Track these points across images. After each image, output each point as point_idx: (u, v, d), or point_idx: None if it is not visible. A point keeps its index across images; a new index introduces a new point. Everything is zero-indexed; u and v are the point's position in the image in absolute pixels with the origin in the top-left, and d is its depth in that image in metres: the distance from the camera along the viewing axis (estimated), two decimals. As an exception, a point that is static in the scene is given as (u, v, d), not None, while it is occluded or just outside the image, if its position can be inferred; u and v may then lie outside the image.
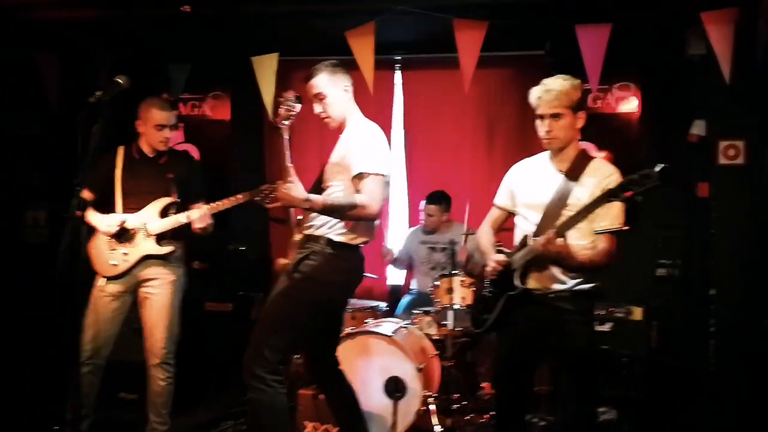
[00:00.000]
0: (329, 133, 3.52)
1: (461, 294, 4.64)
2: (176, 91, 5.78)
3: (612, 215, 2.94)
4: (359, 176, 3.17)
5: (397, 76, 6.06)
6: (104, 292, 3.94)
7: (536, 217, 3.11)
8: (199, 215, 3.90)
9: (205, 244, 5.65)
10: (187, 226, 3.94)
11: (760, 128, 4.81)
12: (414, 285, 5.71)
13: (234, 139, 6.23)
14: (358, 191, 3.18)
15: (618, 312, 4.43)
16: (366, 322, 4.71)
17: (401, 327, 4.62)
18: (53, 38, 5.19)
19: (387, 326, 4.59)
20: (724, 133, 4.94)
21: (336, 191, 3.28)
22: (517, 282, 3.09)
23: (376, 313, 4.96)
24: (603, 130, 5.58)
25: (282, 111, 3.23)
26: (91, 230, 3.91)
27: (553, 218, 3.01)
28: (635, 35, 5.06)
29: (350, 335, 4.38)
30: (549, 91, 3.04)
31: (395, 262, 5.73)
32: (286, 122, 3.20)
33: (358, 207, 3.13)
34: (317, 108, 3.36)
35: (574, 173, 3.06)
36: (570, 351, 3.05)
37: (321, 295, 3.26)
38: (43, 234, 6.07)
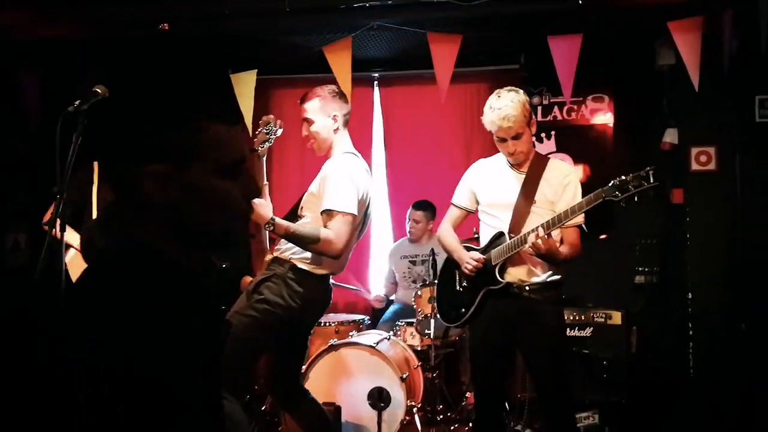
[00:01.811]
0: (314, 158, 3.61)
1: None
2: (156, 111, 5.81)
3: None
4: (328, 212, 3.22)
5: (376, 92, 6.13)
6: None
7: (505, 216, 3.28)
8: None
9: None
10: None
11: (730, 134, 4.92)
12: (397, 297, 5.74)
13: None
14: (325, 226, 3.22)
15: (598, 317, 4.48)
16: (350, 335, 4.73)
17: (384, 338, 4.65)
18: (32, 57, 5.21)
19: (370, 337, 4.61)
20: (695, 140, 5.05)
21: (308, 221, 3.33)
22: (497, 276, 3.24)
23: (359, 326, 4.98)
24: (578, 141, 5.67)
25: (260, 135, 3.31)
26: (67, 247, 3.90)
27: (523, 215, 3.22)
28: (606, 48, 5.17)
29: (333, 347, 4.41)
30: (507, 117, 3.19)
31: (387, 295, 5.80)
32: (264, 146, 3.28)
33: (322, 241, 3.17)
34: (304, 131, 3.43)
35: (534, 172, 3.27)
36: (545, 336, 3.23)
37: (273, 317, 3.25)
38: (23, 257, 6.04)
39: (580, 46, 4.75)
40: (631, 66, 5.44)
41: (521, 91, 3.27)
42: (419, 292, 4.79)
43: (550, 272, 3.26)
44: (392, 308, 5.62)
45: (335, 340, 4.49)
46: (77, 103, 2.78)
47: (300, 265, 3.30)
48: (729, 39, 4.62)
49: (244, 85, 5.20)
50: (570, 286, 4.88)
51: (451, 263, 3.53)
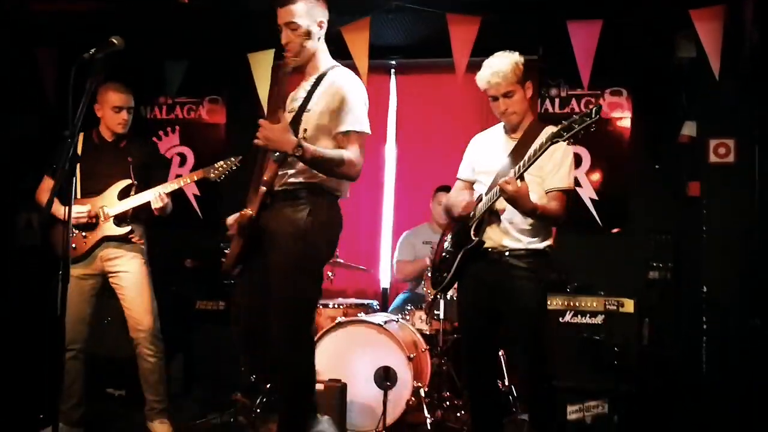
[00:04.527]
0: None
1: (453, 285, 4.63)
2: (171, 90, 5.84)
3: (561, 175, 3.19)
4: (347, 134, 3.03)
5: (392, 80, 6.12)
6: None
7: (490, 181, 3.26)
8: (154, 196, 3.93)
9: (197, 242, 5.74)
10: (147, 209, 3.98)
11: (750, 126, 4.85)
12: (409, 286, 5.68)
13: (229, 143, 6.25)
14: (341, 147, 3.02)
15: (610, 304, 4.40)
16: (358, 317, 4.69)
17: (393, 320, 4.60)
18: (51, 32, 5.23)
19: (379, 317, 4.58)
20: (714, 131, 4.99)
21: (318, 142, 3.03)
22: (472, 234, 3.25)
23: (367, 310, 4.94)
24: (596, 134, 5.54)
25: (288, 56, 3.11)
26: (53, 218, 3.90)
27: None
28: (625, 41, 5.15)
29: (341, 324, 4.37)
30: (497, 72, 3.18)
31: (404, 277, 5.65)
32: (287, 69, 3.12)
33: (346, 163, 2.98)
34: (285, 38, 3.08)
35: (526, 138, 3.23)
36: (519, 305, 3.19)
37: (324, 255, 3.12)
38: (36, 235, 6.05)
39: (600, 34, 4.74)
40: (650, 59, 5.41)
41: (516, 53, 3.25)
42: (429, 274, 4.74)
43: (533, 238, 3.23)
44: (402, 296, 5.57)
45: (343, 317, 4.46)
46: (93, 50, 2.78)
47: (326, 185, 3.07)
48: (750, 30, 4.58)
49: (262, 65, 5.21)
50: (582, 278, 4.96)
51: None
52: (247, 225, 3.07)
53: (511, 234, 3.23)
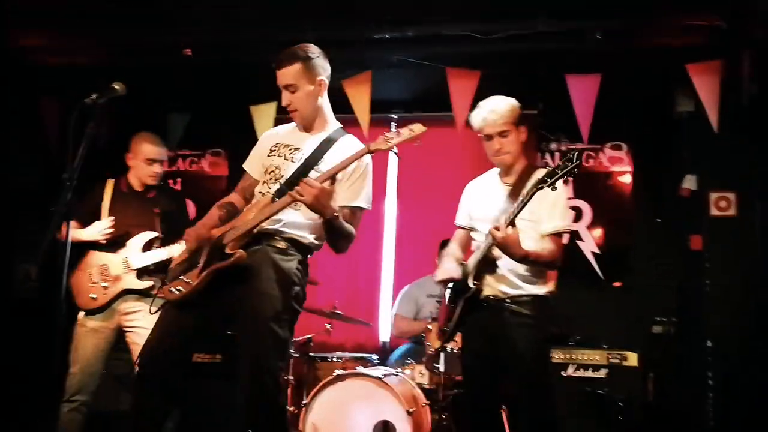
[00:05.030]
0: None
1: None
2: (173, 142, 5.87)
3: (557, 216, 3.17)
4: (354, 209, 3.00)
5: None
6: (85, 327, 3.92)
7: (487, 228, 3.19)
8: (180, 251, 3.87)
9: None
10: (169, 262, 3.92)
11: (750, 179, 4.87)
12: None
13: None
14: (344, 218, 2.93)
15: (613, 358, 4.34)
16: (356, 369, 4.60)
17: (392, 373, 4.52)
18: (54, 83, 5.28)
19: (378, 370, 4.49)
20: (714, 185, 5.01)
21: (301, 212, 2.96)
22: (469, 282, 3.20)
23: (366, 364, 4.85)
24: (596, 188, 5.65)
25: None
26: (73, 264, 3.86)
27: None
28: (625, 96, 5.20)
29: (339, 377, 4.28)
30: (494, 111, 3.23)
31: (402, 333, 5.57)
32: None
33: (351, 239, 2.98)
34: (285, 100, 3.04)
35: (519, 183, 3.23)
36: (518, 357, 3.11)
37: (300, 307, 3.03)
38: (34, 289, 6.00)
39: (599, 88, 4.79)
40: (650, 114, 5.46)
41: (514, 100, 3.28)
42: (430, 326, 4.67)
43: (532, 284, 3.19)
44: (403, 348, 5.48)
45: (341, 370, 4.38)
46: (95, 96, 2.80)
47: (312, 245, 3.03)
48: (748, 83, 4.63)
49: (264, 117, 5.25)
50: (584, 332, 4.89)
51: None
52: (212, 249, 2.96)
53: (509, 280, 3.19)
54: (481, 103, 3.30)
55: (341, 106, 4.97)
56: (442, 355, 4.48)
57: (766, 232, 4.77)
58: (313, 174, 2.94)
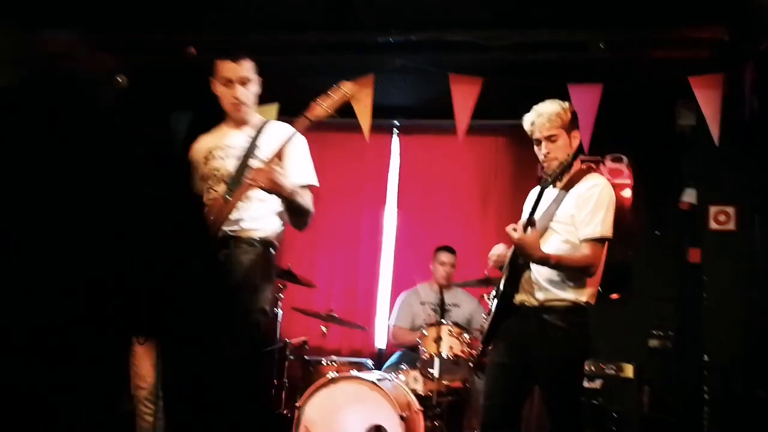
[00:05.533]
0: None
1: (449, 343, 4.54)
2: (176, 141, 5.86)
3: (594, 223, 3.00)
4: (304, 188, 3.09)
5: (395, 140, 6.17)
6: None
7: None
8: None
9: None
10: None
11: (750, 193, 4.86)
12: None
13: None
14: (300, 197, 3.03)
15: (608, 369, 4.33)
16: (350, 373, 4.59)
17: (386, 378, 4.50)
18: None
19: (372, 374, 4.47)
20: (714, 198, 4.99)
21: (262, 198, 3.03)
22: (501, 287, 3.14)
23: (361, 368, 4.84)
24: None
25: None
26: None
27: (541, 231, 3.04)
28: (626, 108, 5.20)
29: (332, 380, 4.26)
30: (541, 114, 3.12)
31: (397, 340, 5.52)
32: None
33: (310, 215, 3.09)
34: (236, 91, 3.15)
35: (567, 185, 3.13)
36: (552, 362, 3.01)
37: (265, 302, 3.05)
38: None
39: (600, 100, 4.79)
40: (651, 126, 5.45)
41: (566, 103, 3.20)
42: (425, 332, 4.66)
43: (566, 292, 3.03)
44: (399, 353, 5.46)
45: (335, 373, 4.36)
46: (96, 88, 2.79)
47: (270, 231, 3.09)
48: (750, 97, 4.62)
49: (265, 118, 5.23)
50: None
51: None
52: None
53: (544, 288, 3.05)
54: (534, 107, 3.19)
55: (342, 110, 4.98)
56: (436, 360, 4.47)
57: (765, 247, 4.75)
58: (254, 163, 3.02)
